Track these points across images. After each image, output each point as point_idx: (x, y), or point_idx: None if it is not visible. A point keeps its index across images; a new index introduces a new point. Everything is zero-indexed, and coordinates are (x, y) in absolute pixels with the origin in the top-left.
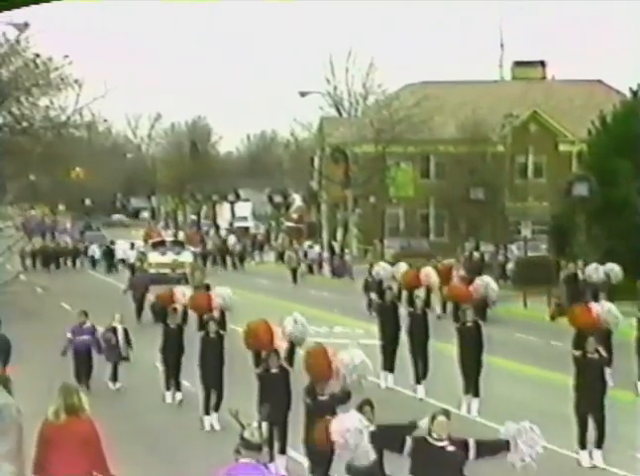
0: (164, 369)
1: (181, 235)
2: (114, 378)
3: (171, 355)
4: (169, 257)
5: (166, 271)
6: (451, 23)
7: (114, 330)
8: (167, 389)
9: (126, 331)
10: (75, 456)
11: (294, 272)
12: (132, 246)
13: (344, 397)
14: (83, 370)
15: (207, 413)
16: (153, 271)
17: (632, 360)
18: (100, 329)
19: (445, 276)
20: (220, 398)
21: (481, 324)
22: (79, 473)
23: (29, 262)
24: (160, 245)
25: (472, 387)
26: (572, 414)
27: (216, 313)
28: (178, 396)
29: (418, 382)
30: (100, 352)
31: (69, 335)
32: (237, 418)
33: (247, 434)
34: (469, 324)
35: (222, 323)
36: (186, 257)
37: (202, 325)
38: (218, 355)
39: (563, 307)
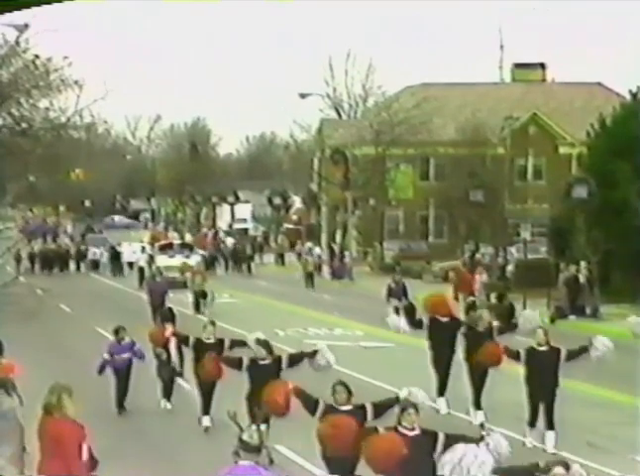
0: (200, 392)
1: (188, 237)
2: (167, 396)
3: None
4: (178, 260)
5: (175, 274)
6: (451, 24)
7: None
8: (205, 413)
9: (179, 344)
10: (49, 456)
11: (311, 276)
12: (143, 249)
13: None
14: (124, 390)
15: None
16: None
17: (632, 362)
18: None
19: (467, 281)
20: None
21: (562, 350)
22: (55, 473)
23: (27, 265)
24: (167, 248)
25: (544, 418)
26: (579, 416)
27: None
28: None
29: (478, 407)
30: (143, 359)
31: (106, 356)
32: (235, 421)
33: (245, 436)
34: (542, 348)
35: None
36: (195, 260)
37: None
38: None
39: (563, 310)
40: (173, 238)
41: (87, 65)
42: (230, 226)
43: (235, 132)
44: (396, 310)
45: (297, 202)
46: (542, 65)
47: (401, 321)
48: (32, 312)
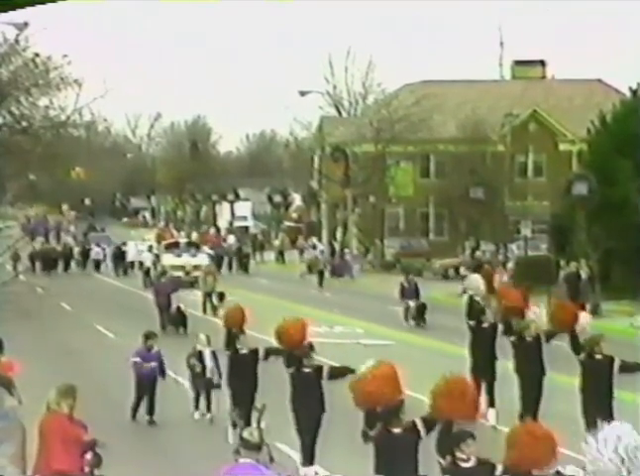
0: (233, 407)
1: (195, 236)
2: (196, 407)
3: (242, 391)
4: (184, 259)
5: (180, 274)
6: (451, 21)
7: (199, 355)
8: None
9: (214, 355)
10: (38, 451)
11: (321, 275)
12: (150, 248)
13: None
14: (147, 400)
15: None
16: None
17: (633, 359)
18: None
19: (488, 282)
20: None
21: (616, 360)
22: (39, 467)
23: (28, 264)
24: (173, 246)
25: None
26: (580, 412)
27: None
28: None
29: (522, 417)
30: (164, 377)
31: (138, 359)
32: (235, 418)
33: (246, 434)
34: (598, 357)
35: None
36: (202, 259)
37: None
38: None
39: None
40: (180, 237)
41: (87, 64)
42: (230, 224)
43: (235, 130)
44: (407, 309)
45: (297, 200)
46: (542, 63)
47: None
48: (31, 311)
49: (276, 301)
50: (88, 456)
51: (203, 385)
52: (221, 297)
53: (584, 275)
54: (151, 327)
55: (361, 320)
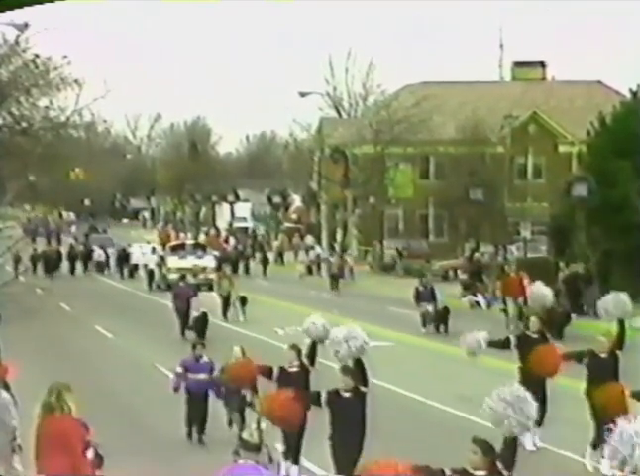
0: (283, 435)
1: (202, 237)
2: (230, 425)
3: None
4: (190, 261)
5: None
6: (451, 23)
7: None
8: (295, 462)
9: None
10: (52, 455)
11: (334, 278)
12: (153, 250)
13: None
14: (198, 417)
15: None
16: (172, 276)
17: (633, 358)
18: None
19: (519, 286)
20: None
21: None
22: (60, 471)
23: (29, 265)
24: (179, 248)
25: None
26: (581, 414)
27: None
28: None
29: (595, 446)
30: (220, 396)
31: (180, 370)
32: (235, 419)
33: (245, 435)
34: None
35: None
36: (209, 261)
37: None
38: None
39: (563, 308)
40: (186, 238)
41: (87, 65)
42: (230, 225)
43: (235, 131)
44: (425, 314)
45: (297, 201)
46: (542, 64)
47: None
48: (31, 311)
49: (277, 303)
50: (89, 455)
51: (234, 402)
52: (243, 301)
53: (581, 276)
54: (151, 328)
55: (359, 322)
